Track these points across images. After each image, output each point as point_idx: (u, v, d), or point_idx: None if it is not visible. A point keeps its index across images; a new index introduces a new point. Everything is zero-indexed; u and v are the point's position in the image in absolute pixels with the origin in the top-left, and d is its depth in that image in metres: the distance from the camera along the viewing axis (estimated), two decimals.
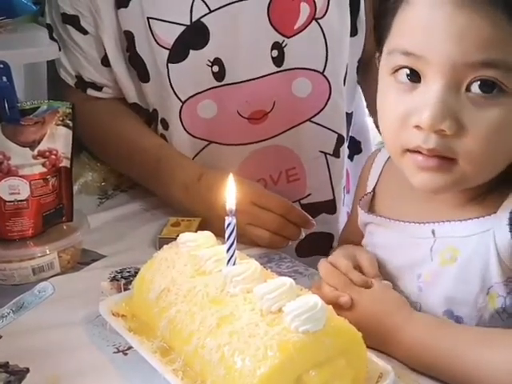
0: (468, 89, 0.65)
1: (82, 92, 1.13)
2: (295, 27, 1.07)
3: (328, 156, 1.17)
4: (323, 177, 1.18)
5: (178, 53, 1.05)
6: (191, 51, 1.05)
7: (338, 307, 0.73)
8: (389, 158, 0.83)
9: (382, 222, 0.81)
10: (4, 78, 0.87)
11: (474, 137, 0.66)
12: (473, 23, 0.63)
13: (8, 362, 0.72)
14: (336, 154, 1.18)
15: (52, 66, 1.10)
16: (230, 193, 0.70)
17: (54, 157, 0.90)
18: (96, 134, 1.12)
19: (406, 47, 0.67)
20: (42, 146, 0.88)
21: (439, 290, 0.75)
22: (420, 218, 0.77)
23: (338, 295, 0.74)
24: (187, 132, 1.10)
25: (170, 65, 1.05)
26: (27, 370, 0.71)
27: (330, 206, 1.20)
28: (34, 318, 0.80)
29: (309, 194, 1.19)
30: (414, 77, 0.68)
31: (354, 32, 1.13)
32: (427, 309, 0.76)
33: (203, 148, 1.11)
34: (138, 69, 1.08)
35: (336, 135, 1.17)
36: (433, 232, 0.75)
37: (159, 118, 1.11)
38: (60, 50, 1.10)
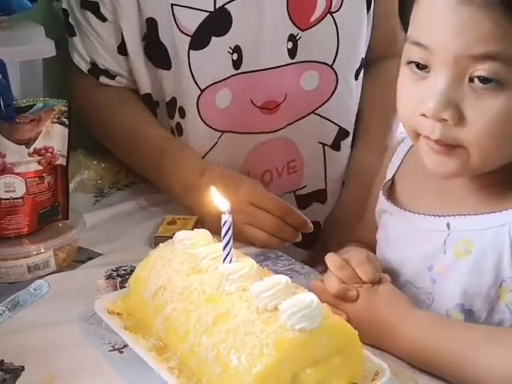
0: (471, 79, 0.67)
1: (94, 78, 1.13)
2: (311, 20, 1.09)
3: (326, 147, 1.19)
4: (318, 167, 1.20)
5: (200, 39, 1.05)
6: (213, 38, 1.05)
7: (342, 299, 0.75)
8: (410, 148, 0.85)
9: (397, 213, 0.82)
10: None
11: (474, 126, 0.68)
12: (472, 19, 0.65)
13: (3, 360, 0.72)
14: (335, 146, 1.19)
15: (48, 63, 1.09)
16: (226, 192, 0.70)
17: (49, 155, 0.90)
18: (102, 119, 1.13)
19: (417, 38, 0.70)
20: (38, 144, 0.88)
21: (453, 283, 0.75)
22: (435, 210, 0.78)
23: (346, 288, 0.75)
24: (204, 122, 1.10)
25: (191, 52, 1.05)
26: (22, 368, 0.71)
27: (322, 196, 1.22)
28: (29, 315, 0.80)
29: (304, 186, 1.20)
30: (424, 68, 0.70)
31: None
32: (440, 301, 0.76)
33: (219, 138, 1.12)
34: (159, 57, 1.08)
35: (337, 128, 1.18)
36: (447, 225, 0.76)
37: (177, 107, 1.11)
38: (76, 35, 1.11)
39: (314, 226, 1.17)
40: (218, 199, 0.70)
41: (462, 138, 0.69)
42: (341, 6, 1.10)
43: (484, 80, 0.66)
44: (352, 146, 1.23)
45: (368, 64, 1.20)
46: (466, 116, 0.68)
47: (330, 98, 1.15)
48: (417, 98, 0.71)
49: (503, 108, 0.67)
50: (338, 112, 1.17)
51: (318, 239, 1.20)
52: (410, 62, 0.72)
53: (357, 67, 1.16)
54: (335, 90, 1.14)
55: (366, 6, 1.13)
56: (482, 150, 0.69)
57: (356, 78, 1.17)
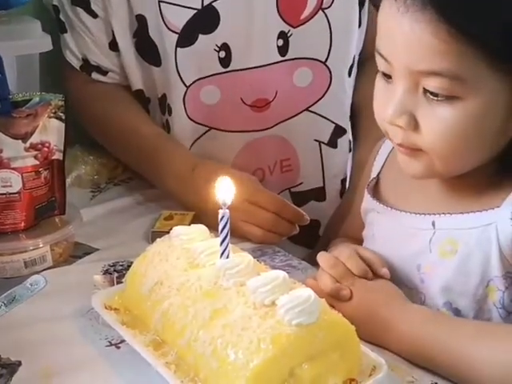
0: (425, 91, 0.69)
1: (86, 75, 1.13)
2: (301, 17, 1.08)
3: (322, 145, 1.19)
4: (315, 165, 1.20)
5: (187, 37, 1.05)
6: (200, 35, 1.05)
7: (335, 297, 0.75)
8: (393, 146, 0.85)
9: (383, 211, 0.83)
10: None
11: (428, 135, 0.70)
12: (415, 32, 0.67)
13: (0, 355, 0.72)
14: (332, 144, 1.19)
15: (44, 57, 1.09)
16: (224, 186, 0.70)
17: (46, 149, 0.89)
18: (95, 116, 1.13)
19: (379, 49, 0.72)
20: (35, 139, 0.88)
21: (438, 282, 0.75)
22: (420, 209, 0.78)
23: (339, 288, 0.75)
24: (189, 117, 1.10)
25: (178, 49, 1.05)
26: (19, 363, 0.71)
27: (320, 194, 1.22)
28: (25, 311, 0.80)
29: (300, 183, 1.20)
30: (389, 77, 0.73)
31: (358, 24, 1.15)
32: (429, 300, 0.76)
33: (203, 134, 1.12)
34: (150, 53, 1.08)
35: (333, 125, 1.18)
36: (433, 224, 0.76)
37: (167, 103, 1.11)
38: (66, 31, 1.11)
39: (314, 224, 1.18)
40: (214, 193, 0.70)
41: (419, 144, 0.71)
42: (332, 2, 1.09)
43: (434, 93, 0.68)
44: (353, 144, 1.23)
45: (365, 59, 1.19)
46: (420, 124, 0.70)
47: (324, 95, 1.14)
48: (384, 103, 0.73)
49: (455, 119, 0.68)
50: (332, 109, 1.17)
51: (319, 238, 1.20)
52: (378, 71, 0.74)
53: (350, 64, 1.16)
54: (329, 86, 1.14)
55: (358, 1, 1.13)
56: (439, 156, 0.71)
57: (349, 74, 1.16)
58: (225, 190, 0.69)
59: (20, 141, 0.87)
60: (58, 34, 1.13)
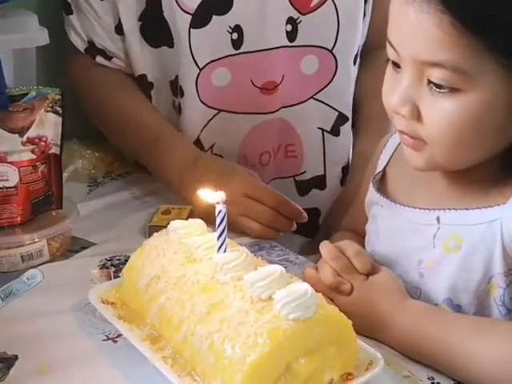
0: (429, 81, 0.69)
1: (90, 58, 1.13)
2: (311, 4, 1.09)
3: (325, 133, 1.19)
4: (317, 153, 1.20)
5: (201, 18, 1.05)
6: (214, 16, 1.05)
7: (335, 290, 0.75)
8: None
9: (387, 205, 0.83)
10: None
11: (429, 126, 0.70)
12: (420, 22, 0.67)
13: None
14: (334, 132, 1.20)
15: (41, 51, 1.09)
16: (220, 183, 0.70)
17: (43, 143, 0.89)
18: (97, 100, 1.13)
19: (389, 37, 0.72)
20: (31, 133, 0.88)
21: (442, 278, 0.75)
22: (425, 204, 0.78)
23: (340, 281, 0.75)
24: (201, 100, 1.10)
25: (192, 30, 1.05)
26: (16, 357, 0.71)
27: (321, 182, 1.22)
28: (22, 305, 0.80)
29: (304, 172, 1.20)
30: (398, 66, 0.73)
31: (363, 14, 1.15)
32: (427, 295, 0.76)
33: (213, 116, 1.12)
34: (162, 35, 1.07)
35: (337, 113, 1.19)
36: (437, 219, 0.76)
37: (179, 85, 1.11)
38: (72, 13, 1.11)
39: (314, 213, 1.18)
40: (211, 191, 0.70)
41: (421, 134, 0.71)
42: None
43: (437, 85, 0.68)
44: (353, 134, 1.23)
45: (368, 51, 1.20)
46: (422, 115, 0.70)
47: (329, 83, 1.15)
48: (390, 91, 0.73)
49: (456, 112, 0.68)
50: (337, 97, 1.18)
51: (319, 226, 1.20)
52: (388, 60, 0.74)
53: (355, 53, 1.17)
54: (335, 74, 1.15)
55: None
56: (439, 147, 0.71)
57: (354, 63, 1.17)
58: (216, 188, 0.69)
59: (17, 135, 0.87)
60: (55, 28, 1.12)
